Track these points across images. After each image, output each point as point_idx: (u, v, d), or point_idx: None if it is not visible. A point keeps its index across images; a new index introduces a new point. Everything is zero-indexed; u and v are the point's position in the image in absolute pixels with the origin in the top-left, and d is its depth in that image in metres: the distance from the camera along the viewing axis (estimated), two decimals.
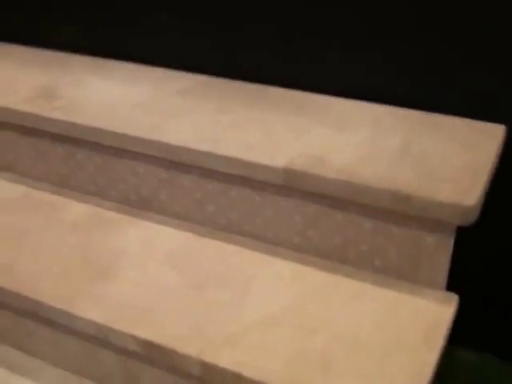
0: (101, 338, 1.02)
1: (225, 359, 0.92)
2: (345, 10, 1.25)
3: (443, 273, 1.04)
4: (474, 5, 1.14)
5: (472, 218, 0.97)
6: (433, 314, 1.01)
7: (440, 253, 1.03)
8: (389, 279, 1.09)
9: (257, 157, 1.09)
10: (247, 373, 0.90)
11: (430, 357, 0.93)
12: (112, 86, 1.38)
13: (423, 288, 1.06)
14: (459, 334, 1.09)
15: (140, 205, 1.27)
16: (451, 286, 1.07)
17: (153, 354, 0.97)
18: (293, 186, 1.08)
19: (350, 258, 1.11)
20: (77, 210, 1.28)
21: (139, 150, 1.19)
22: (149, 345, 0.96)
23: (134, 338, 0.97)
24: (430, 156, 1.09)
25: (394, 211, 1.02)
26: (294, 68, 1.34)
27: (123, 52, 1.51)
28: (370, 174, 1.03)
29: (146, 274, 1.10)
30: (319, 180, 1.04)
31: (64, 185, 1.35)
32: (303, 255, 1.14)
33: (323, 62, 1.31)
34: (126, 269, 1.11)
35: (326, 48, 1.30)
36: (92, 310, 1.02)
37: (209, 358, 0.92)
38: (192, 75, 1.43)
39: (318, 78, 1.33)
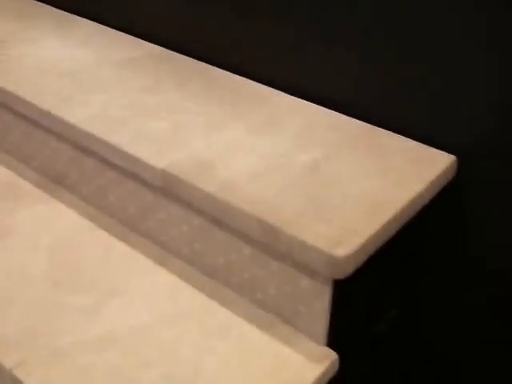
0: None
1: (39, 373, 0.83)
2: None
3: (322, 324, 0.87)
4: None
5: (344, 271, 0.79)
6: (299, 369, 0.85)
7: (317, 300, 0.86)
8: (266, 317, 0.93)
9: (142, 151, 0.96)
10: None
11: None
12: (62, 47, 1.29)
13: (300, 336, 0.90)
14: None
15: (56, 180, 1.18)
16: (343, 346, 0.90)
17: None
18: (171, 192, 0.94)
19: (234, 282, 0.96)
20: None
21: (46, 124, 1.09)
22: None
23: None
24: (336, 182, 0.91)
25: (266, 243, 0.86)
26: (257, 55, 1.17)
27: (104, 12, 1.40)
28: (252, 195, 0.87)
29: (17, 258, 1.02)
30: (191, 190, 0.90)
31: None
32: (191, 269, 1.01)
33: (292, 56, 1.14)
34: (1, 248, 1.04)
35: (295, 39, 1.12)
36: None
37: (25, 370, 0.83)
38: (149, 45, 1.30)
39: (276, 72, 1.16)
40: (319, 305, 0.86)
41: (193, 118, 1.05)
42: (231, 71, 1.20)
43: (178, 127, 1.02)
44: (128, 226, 1.08)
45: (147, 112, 1.06)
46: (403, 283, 1.08)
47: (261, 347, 0.88)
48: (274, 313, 0.93)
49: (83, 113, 1.06)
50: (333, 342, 0.89)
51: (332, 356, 0.88)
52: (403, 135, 1.02)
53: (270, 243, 0.84)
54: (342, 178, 0.91)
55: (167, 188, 0.94)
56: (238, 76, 1.19)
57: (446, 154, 0.97)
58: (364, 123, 1.05)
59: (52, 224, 1.09)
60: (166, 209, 0.99)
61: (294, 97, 1.13)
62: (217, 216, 0.89)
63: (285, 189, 0.89)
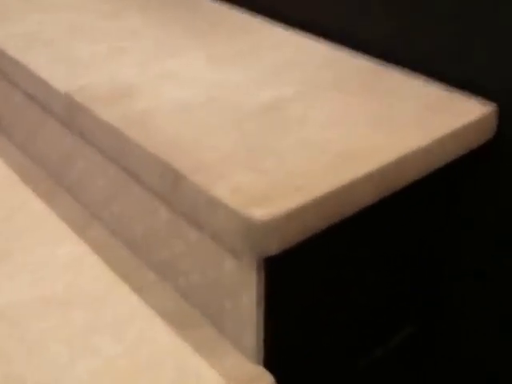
0: None
1: None
2: None
3: (252, 329, 0.58)
4: None
5: (267, 244, 0.50)
6: None
7: (243, 291, 0.57)
8: (188, 313, 0.65)
9: (53, 74, 0.71)
10: None
11: None
12: None
13: (226, 345, 0.62)
14: None
15: None
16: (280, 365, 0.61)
17: None
18: (75, 125, 0.69)
19: (154, 259, 0.69)
20: None
21: None
22: None
23: None
24: (299, 128, 0.62)
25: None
26: None
27: None
28: (166, 133, 0.60)
29: None
30: (92, 122, 0.64)
31: None
32: (111, 240, 0.75)
33: None
34: None
35: None
36: None
37: None
38: None
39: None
40: (246, 299, 0.57)
41: (142, 43, 0.79)
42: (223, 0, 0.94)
43: (117, 52, 0.77)
44: (53, 178, 0.83)
45: (87, 35, 0.82)
46: (414, 287, 0.76)
47: (164, 356, 0.60)
48: (199, 308, 0.64)
49: (10, 30, 0.83)
50: (271, 359, 0.60)
51: (265, 379, 0.58)
52: (422, 77, 0.71)
53: (169, 196, 0.57)
54: (311, 122, 0.62)
55: (70, 119, 0.68)
56: (230, 5, 0.92)
57: (481, 101, 0.66)
58: (371, 62, 0.75)
59: None
60: (83, 154, 0.74)
61: (290, 31, 0.84)
62: (117, 157, 0.62)
63: (215, 130, 0.61)
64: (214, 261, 0.59)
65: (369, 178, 0.55)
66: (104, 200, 0.74)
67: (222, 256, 0.58)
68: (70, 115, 0.68)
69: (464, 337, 0.77)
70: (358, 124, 0.62)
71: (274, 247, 0.50)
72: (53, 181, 0.84)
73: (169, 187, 0.56)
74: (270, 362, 0.60)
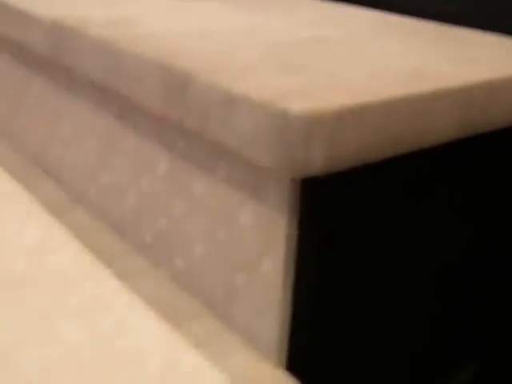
0: None
1: None
2: None
3: (272, 312, 0.41)
4: None
5: (301, 154, 0.35)
6: None
7: (265, 250, 0.41)
8: (186, 303, 0.48)
9: (34, 4, 0.59)
10: None
11: None
12: None
13: (232, 338, 0.44)
14: None
15: None
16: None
17: None
18: (58, 58, 0.55)
19: (146, 240, 0.53)
20: None
21: None
22: None
23: None
24: (344, 56, 0.47)
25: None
26: None
27: None
28: (180, 45, 0.46)
29: None
30: (81, 43, 0.50)
31: None
32: (91, 220, 0.59)
33: None
34: None
35: None
36: None
37: None
38: None
39: None
40: (268, 266, 0.41)
41: None
42: None
43: None
44: (33, 160, 0.68)
45: None
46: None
47: (148, 350, 0.43)
48: (200, 294, 0.48)
49: None
50: (297, 359, 0.42)
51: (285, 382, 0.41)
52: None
53: (175, 112, 0.41)
54: (367, 53, 0.48)
55: (57, 51, 0.54)
56: None
57: None
58: (435, 24, 0.62)
59: None
60: (69, 114, 0.59)
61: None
62: (111, 83, 0.48)
63: (240, 47, 0.47)
64: (225, 216, 0.43)
65: (453, 98, 0.40)
66: (90, 171, 0.58)
67: (236, 206, 0.42)
68: (57, 46, 0.54)
69: None
70: (432, 57, 0.47)
71: (317, 163, 0.34)
72: (31, 164, 0.69)
73: (175, 98, 0.41)
74: (296, 363, 0.42)
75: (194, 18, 0.58)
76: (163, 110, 0.42)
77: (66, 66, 0.54)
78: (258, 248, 0.41)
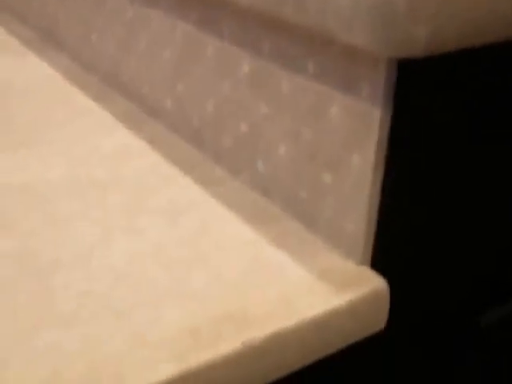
0: None
1: None
2: None
3: (359, 210, 0.41)
4: None
5: (402, 28, 0.34)
6: (308, 295, 0.39)
7: (357, 143, 0.40)
8: (265, 206, 0.49)
9: None
10: None
11: None
12: None
13: (315, 239, 0.44)
14: None
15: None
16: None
17: None
18: None
19: (224, 144, 0.53)
20: None
21: None
22: None
23: None
24: None
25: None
26: None
27: None
28: None
29: None
30: None
31: None
32: (168, 131, 0.59)
33: None
34: None
35: None
36: None
37: None
38: None
39: None
40: (358, 161, 0.40)
41: None
42: None
43: None
44: (107, 80, 0.69)
45: None
46: None
47: (231, 246, 0.43)
48: (282, 198, 0.48)
49: None
50: (382, 258, 0.42)
51: (374, 282, 0.40)
52: None
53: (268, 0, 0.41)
54: None
55: None
56: None
57: None
58: None
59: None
60: (146, 25, 0.59)
61: None
62: None
63: None
64: (312, 113, 0.43)
65: None
66: (168, 82, 0.58)
67: (325, 102, 0.42)
68: None
69: None
70: None
71: (420, 42, 0.33)
72: (106, 81, 0.70)
73: None
74: (380, 261, 0.42)
75: None
76: (256, 4, 0.42)
77: None
78: (348, 144, 0.41)
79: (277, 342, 0.36)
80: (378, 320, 0.41)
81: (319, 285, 0.40)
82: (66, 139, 0.57)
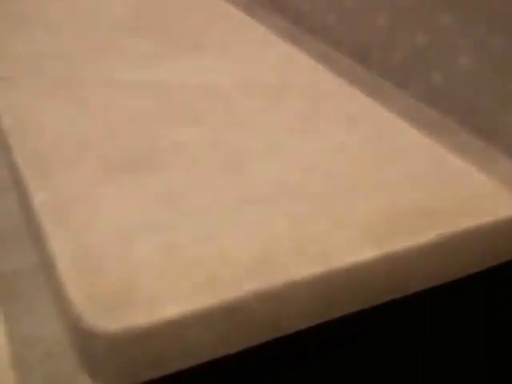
0: None
1: None
2: None
3: None
4: None
5: None
6: (491, 196, 0.40)
7: None
8: (440, 120, 0.49)
9: None
10: None
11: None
12: None
13: (493, 150, 0.45)
14: None
15: None
16: None
17: None
18: None
19: (397, 60, 0.53)
20: None
21: None
22: None
23: None
24: None
25: None
26: None
27: None
28: None
29: None
30: None
31: None
32: (332, 49, 0.60)
33: None
34: None
35: None
36: None
37: None
38: None
39: None
40: None
41: None
42: None
43: None
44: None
45: None
46: None
47: (411, 150, 0.44)
48: (456, 110, 0.48)
49: None
50: None
51: None
52: None
53: None
54: None
55: None
56: None
57: None
58: None
59: None
60: None
61: None
62: None
63: None
64: (506, 22, 0.42)
65: None
66: None
67: None
68: None
69: None
70: None
71: None
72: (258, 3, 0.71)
73: None
74: None
75: None
76: None
77: None
78: None
79: (468, 239, 0.37)
80: None
81: (503, 189, 0.40)
82: (231, 48, 0.60)
